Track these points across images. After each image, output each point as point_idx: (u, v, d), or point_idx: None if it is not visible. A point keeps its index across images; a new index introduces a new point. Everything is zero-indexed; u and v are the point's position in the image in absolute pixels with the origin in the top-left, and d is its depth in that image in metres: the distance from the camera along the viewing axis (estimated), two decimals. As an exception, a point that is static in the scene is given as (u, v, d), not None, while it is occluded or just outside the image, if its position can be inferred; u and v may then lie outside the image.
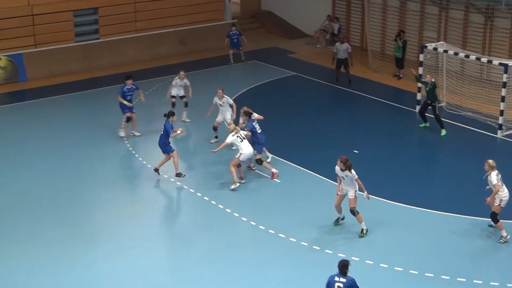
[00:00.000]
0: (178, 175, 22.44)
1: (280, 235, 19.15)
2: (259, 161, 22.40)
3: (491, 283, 17.01)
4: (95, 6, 34.06)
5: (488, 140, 25.71)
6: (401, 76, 32.14)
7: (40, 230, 19.48)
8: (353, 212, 19.12)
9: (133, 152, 24.68)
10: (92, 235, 19.29)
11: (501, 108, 25.79)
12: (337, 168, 18.98)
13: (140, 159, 24.15)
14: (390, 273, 17.47)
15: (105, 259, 18.07)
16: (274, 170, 22.56)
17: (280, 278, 17.21)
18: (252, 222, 19.88)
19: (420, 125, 26.85)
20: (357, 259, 17.87)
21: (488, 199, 18.78)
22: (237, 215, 20.33)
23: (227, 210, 20.62)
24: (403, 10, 34.49)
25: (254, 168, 22.98)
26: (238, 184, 21.94)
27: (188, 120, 26.97)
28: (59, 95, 30.40)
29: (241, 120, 22.98)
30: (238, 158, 21.85)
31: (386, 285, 17.07)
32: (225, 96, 24.80)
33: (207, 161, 23.81)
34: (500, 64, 26.00)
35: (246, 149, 21.83)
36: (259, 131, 22.41)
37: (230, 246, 18.72)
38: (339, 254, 17.79)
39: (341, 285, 14.24)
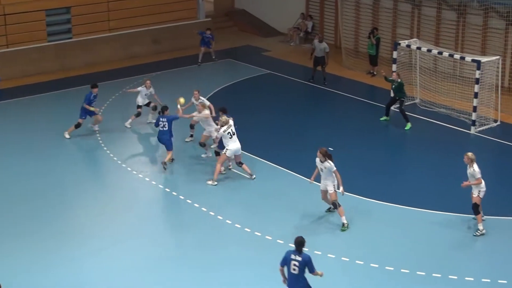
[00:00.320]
0: (164, 164, 22.73)
1: (256, 233, 19.16)
2: (239, 163, 22.38)
3: (466, 278, 17.13)
4: (67, 6, 33.84)
5: (462, 136, 25.87)
6: (374, 73, 32.27)
7: (19, 231, 19.34)
8: (335, 204, 19.37)
9: (108, 152, 24.57)
10: (67, 236, 19.19)
11: (474, 104, 25.97)
12: (317, 160, 19.29)
13: (115, 158, 24.05)
14: (366, 270, 17.54)
15: (80, 260, 17.97)
16: (222, 168, 22.55)
17: (257, 275, 17.20)
18: (228, 221, 19.86)
19: (381, 119, 27.08)
20: (333, 256, 17.95)
21: (465, 183, 18.93)
22: (212, 213, 20.30)
23: (203, 209, 20.58)
24: (376, 8, 34.63)
25: (231, 167, 22.97)
26: (216, 183, 21.91)
27: (154, 121, 26.93)
28: (32, 95, 30.18)
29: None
30: (225, 154, 21.85)
31: (362, 282, 17.12)
32: (201, 97, 24.75)
33: (183, 160, 23.77)
34: (473, 60, 26.17)
35: (232, 145, 21.77)
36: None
37: (206, 245, 18.68)
38: (316, 252, 17.81)
39: (297, 263, 14.50)
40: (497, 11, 29.76)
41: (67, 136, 25.49)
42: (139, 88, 26.60)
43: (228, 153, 21.84)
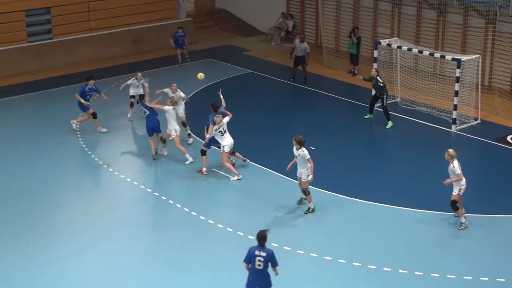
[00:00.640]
0: (161, 150, 23.98)
1: (238, 233, 19.16)
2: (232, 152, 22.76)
3: (448, 276, 17.21)
4: (47, 6, 33.70)
5: (443, 135, 25.97)
6: (355, 72, 32.32)
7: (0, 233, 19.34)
8: (304, 192, 19.92)
9: (89, 152, 24.49)
10: (49, 237, 19.12)
11: (455, 102, 26.08)
12: (294, 148, 19.73)
13: (96, 159, 23.97)
14: (348, 268, 17.58)
15: (62, 261, 17.92)
16: (204, 169, 22.74)
17: (241, 275, 17.17)
18: (210, 221, 19.85)
19: (365, 117, 27.18)
20: (316, 255, 18.00)
21: (448, 180, 19.02)
22: (195, 214, 20.28)
23: (185, 209, 20.56)
24: (356, 7, 34.71)
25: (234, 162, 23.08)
26: (239, 175, 22.38)
27: (132, 120, 26.92)
28: (13, 96, 30.03)
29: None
30: (224, 152, 22.11)
31: (345, 280, 17.18)
32: (178, 90, 24.81)
33: (164, 161, 23.74)
34: (453, 59, 26.29)
35: (226, 141, 22.06)
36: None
37: (188, 245, 18.67)
38: (298, 251, 17.84)
39: (262, 259, 14.54)
40: (476, 9, 29.91)
41: (103, 130, 25.97)
42: (129, 82, 26.84)
43: (226, 149, 22.11)
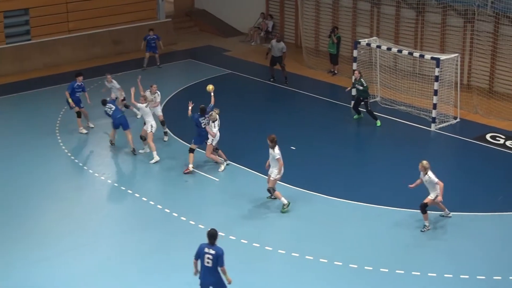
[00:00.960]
0: (133, 150, 23.90)
1: (220, 233, 19.05)
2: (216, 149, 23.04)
3: (429, 274, 17.29)
4: (25, 7, 33.53)
5: (422, 134, 26.08)
6: (335, 72, 32.40)
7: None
8: (269, 191, 20.13)
9: (69, 154, 24.38)
10: (32, 239, 19.00)
11: (434, 101, 26.19)
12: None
13: (76, 161, 23.88)
14: (330, 268, 17.62)
15: (43, 263, 17.83)
16: (190, 166, 22.79)
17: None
18: (191, 222, 19.83)
19: (354, 117, 27.28)
20: (297, 255, 18.01)
21: (416, 182, 19.33)
22: (176, 215, 20.24)
23: (166, 210, 20.53)
24: (336, 7, 34.78)
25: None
26: (224, 163, 22.85)
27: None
28: (-9, 98, 29.94)
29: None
30: (211, 144, 22.36)
31: (327, 280, 17.22)
32: (158, 91, 25.02)
33: (143, 161, 23.68)
34: (432, 58, 26.41)
35: (216, 134, 22.48)
36: (203, 126, 22.63)
37: (170, 246, 18.65)
38: (280, 251, 17.85)
39: (211, 256, 14.64)
40: (455, 9, 30.05)
41: (83, 131, 25.91)
42: (106, 84, 26.98)
43: (213, 142, 22.46)
